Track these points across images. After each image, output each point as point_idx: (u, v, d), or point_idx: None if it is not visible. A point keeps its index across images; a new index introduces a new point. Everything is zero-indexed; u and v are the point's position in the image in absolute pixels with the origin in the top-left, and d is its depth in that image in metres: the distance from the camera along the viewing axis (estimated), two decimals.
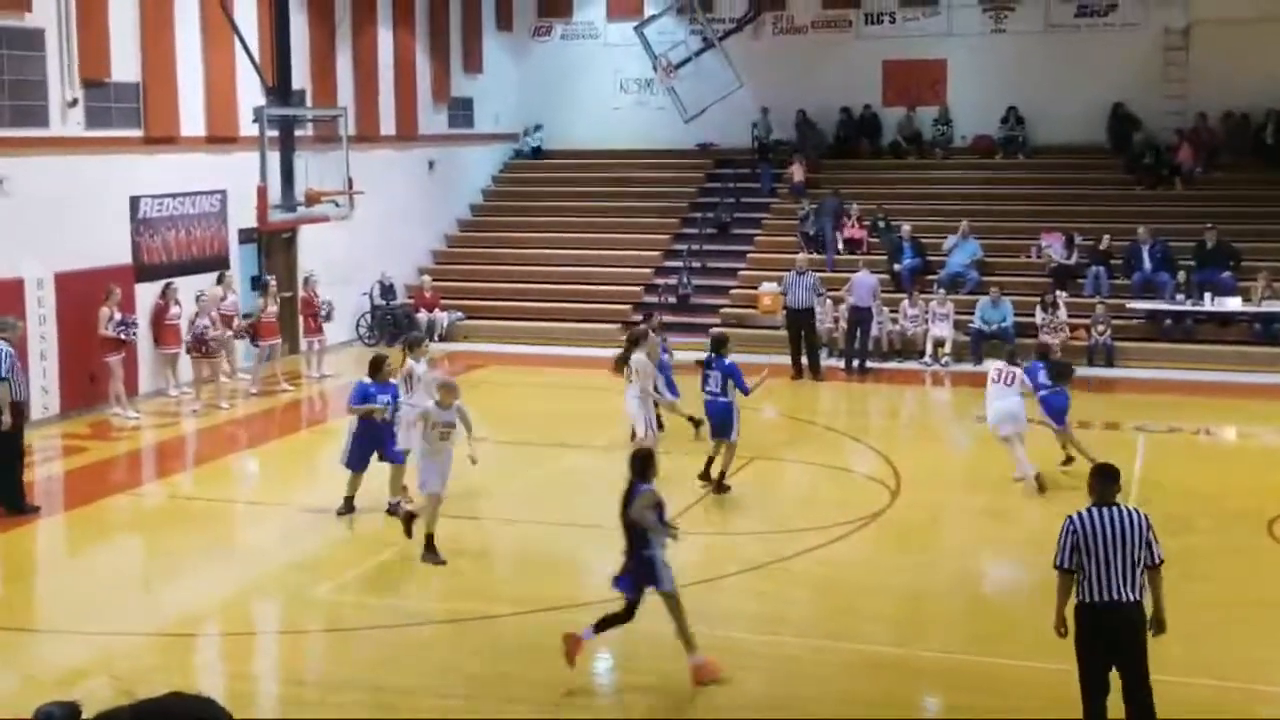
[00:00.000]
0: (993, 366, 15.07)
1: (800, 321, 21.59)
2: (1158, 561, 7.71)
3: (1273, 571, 12.06)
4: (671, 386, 16.06)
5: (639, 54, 26.98)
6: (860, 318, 22.07)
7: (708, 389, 14.28)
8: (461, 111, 28.89)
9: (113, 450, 16.75)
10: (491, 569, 12.13)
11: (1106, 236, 23.93)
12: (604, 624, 9.43)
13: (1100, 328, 22.18)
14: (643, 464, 9.67)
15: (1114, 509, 7.76)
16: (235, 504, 14.82)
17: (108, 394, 18.10)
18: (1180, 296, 22.72)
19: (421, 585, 11.83)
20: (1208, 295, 22.53)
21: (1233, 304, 22.35)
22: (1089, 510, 7.77)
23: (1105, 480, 7.92)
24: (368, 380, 13.33)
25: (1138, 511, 7.83)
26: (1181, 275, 22.94)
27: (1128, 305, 22.91)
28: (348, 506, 13.34)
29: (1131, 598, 7.62)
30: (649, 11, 28.30)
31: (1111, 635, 7.64)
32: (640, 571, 9.37)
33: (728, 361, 14.26)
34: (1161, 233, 23.70)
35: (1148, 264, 23.35)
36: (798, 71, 28.74)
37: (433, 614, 10.77)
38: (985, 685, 9.46)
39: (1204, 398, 19.74)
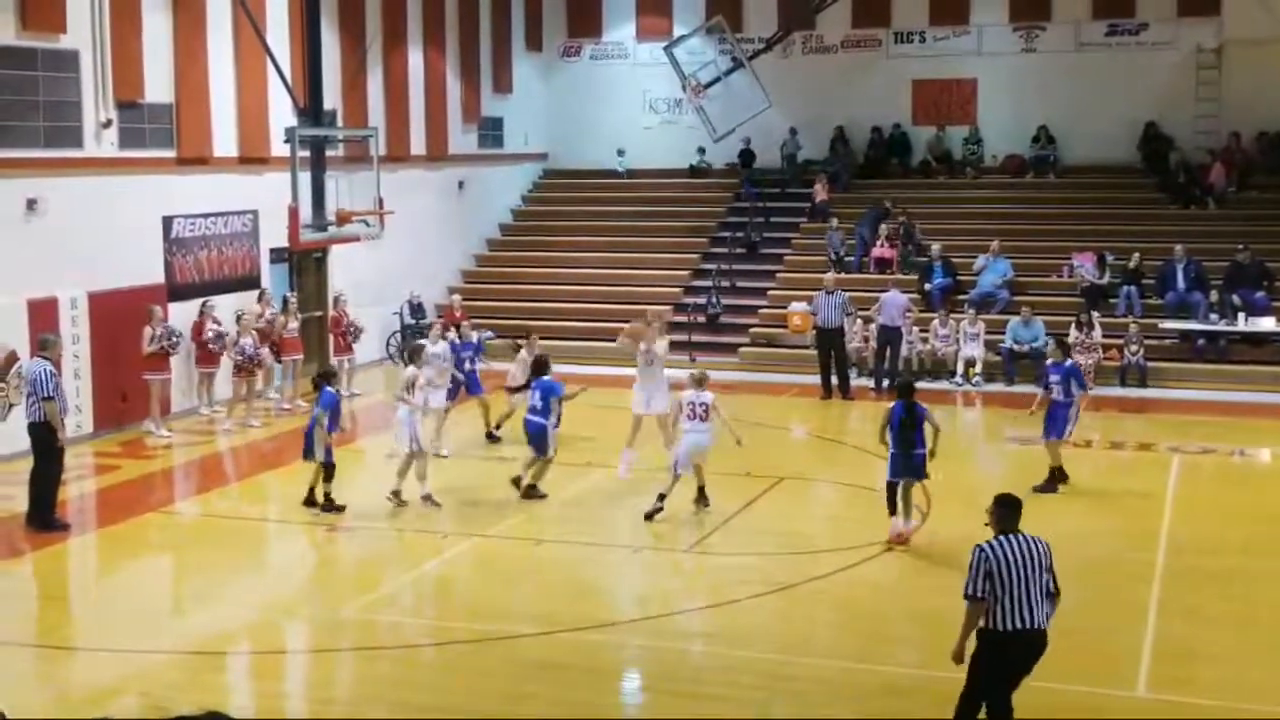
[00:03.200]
0: None
1: (830, 341, 21.53)
2: (1055, 590, 7.86)
3: None
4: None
5: (668, 74, 27.06)
6: (890, 337, 22.00)
7: (529, 406, 14.86)
8: (491, 131, 29.03)
9: (145, 469, 16.86)
10: (518, 589, 12.12)
11: (1137, 255, 23.78)
12: None
13: (1133, 347, 22.01)
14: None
15: (1020, 537, 7.85)
16: (266, 522, 14.87)
17: (146, 412, 18.23)
18: (1214, 316, 22.54)
19: (449, 604, 11.87)
20: (1241, 315, 22.34)
21: (1267, 324, 22.13)
22: (998, 539, 7.84)
23: (1009, 509, 7.97)
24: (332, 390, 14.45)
25: (1040, 540, 7.89)
26: (1214, 295, 22.75)
27: (1160, 325, 22.74)
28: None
29: (1042, 624, 7.75)
30: (678, 32, 28.37)
31: (1020, 661, 7.81)
32: None
33: (547, 380, 14.78)
34: (1194, 253, 23.54)
35: (1181, 283, 23.18)
36: (827, 91, 28.77)
37: (460, 633, 10.77)
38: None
39: (1238, 418, 19.54)
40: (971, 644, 7.92)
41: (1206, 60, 26.63)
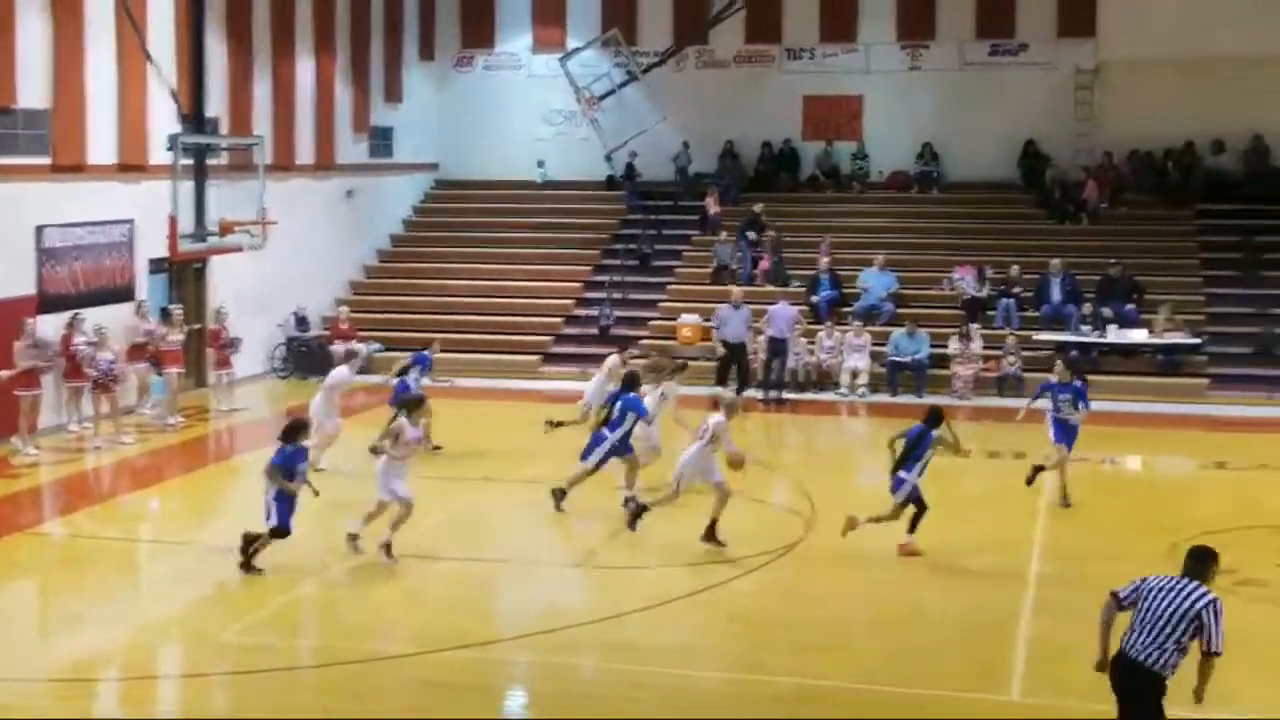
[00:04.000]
0: None
1: (735, 355, 21.73)
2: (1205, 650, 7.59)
3: None
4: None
5: (563, 86, 27.09)
6: (778, 349, 22.28)
7: None
8: (381, 141, 28.79)
9: (11, 488, 16.25)
10: (407, 607, 12.02)
11: (1016, 269, 24.41)
12: None
13: (1011, 358, 22.57)
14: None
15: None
16: (138, 543, 14.49)
17: (13, 428, 17.66)
18: (1086, 328, 23.20)
19: (330, 624, 11.72)
20: (1112, 327, 23.06)
21: (1136, 336, 22.88)
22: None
23: (1195, 560, 7.84)
24: (290, 447, 12.59)
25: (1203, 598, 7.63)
26: (1087, 307, 23.43)
27: (1036, 336, 23.35)
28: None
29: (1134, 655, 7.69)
30: (573, 44, 28.45)
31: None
32: None
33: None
34: (1069, 266, 24.24)
35: (1057, 296, 23.86)
36: (720, 105, 29.03)
37: (344, 654, 10.64)
38: (904, 715, 9.55)
39: (1109, 428, 20.02)
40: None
41: (1083, 80, 27.41)
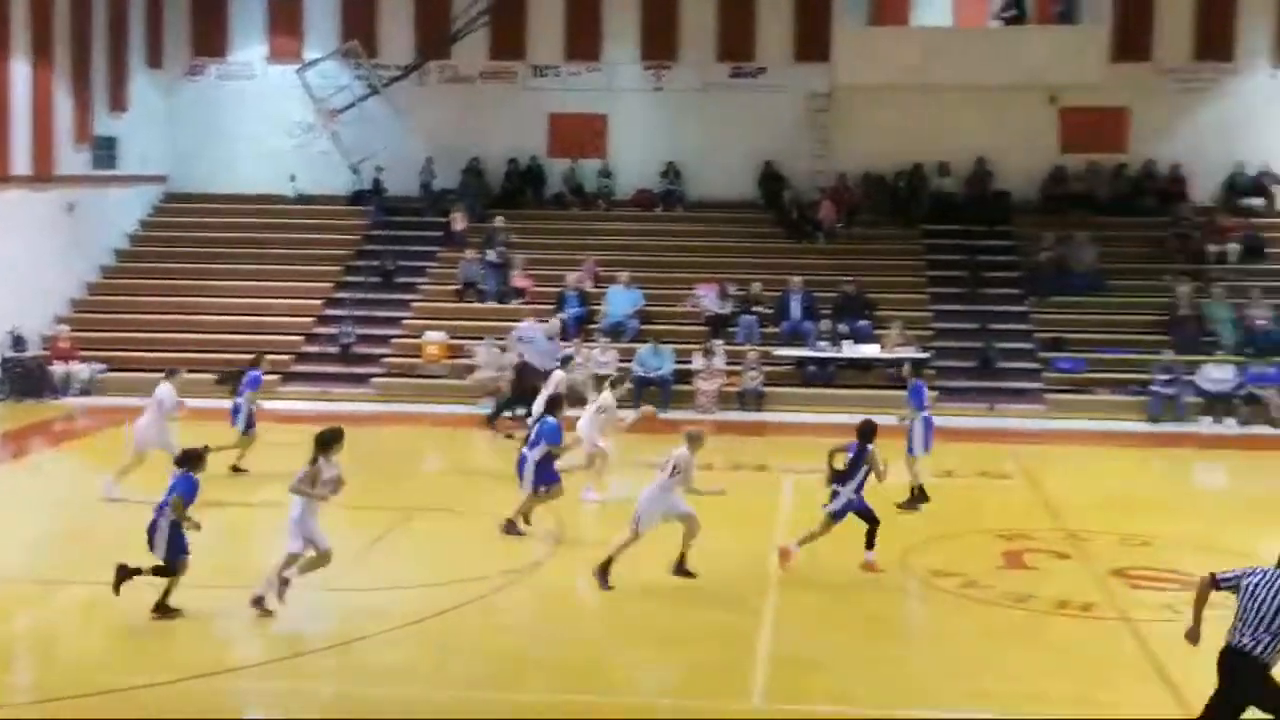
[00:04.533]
0: None
1: (536, 381, 21.19)
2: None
3: (917, 602, 12.82)
4: None
5: (302, 97, 26.30)
6: (538, 373, 22.05)
7: None
8: (105, 151, 27.30)
9: None
10: (137, 638, 11.28)
11: (757, 286, 25.06)
12: None
13: (752, 373, 23.11)
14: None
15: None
16: None
17: None
18: (823, 343, 23.98)
19: (53, 660, 10.94)
20: (847, 343, 23.91)
21: (869, 350, 23.78)
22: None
23: None
24: (196, 476, 11.63)
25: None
26: (825, 323, 24.21)
27: (776, 352, 24.00)
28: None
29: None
30: (310, 55, 27.69)
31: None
32: None
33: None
34: (807, 284, 25.03)
35: (796, 313, 24.59)
36: (465, 120, 28.77)
37: (69, 688, 9.93)
38: None
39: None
40: None
41: (818, 104, 28.35)
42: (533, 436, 14.62)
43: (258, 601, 11.54)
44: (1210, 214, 26.47)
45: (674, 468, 12.81)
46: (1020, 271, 26.14)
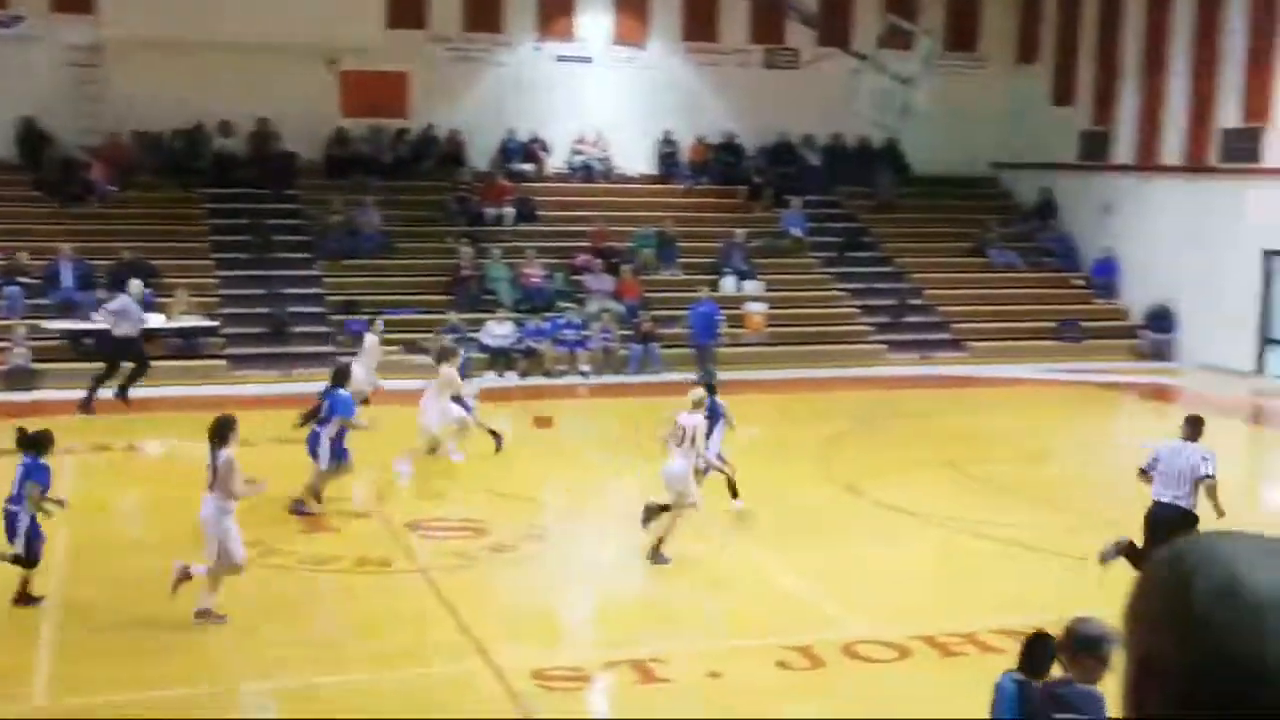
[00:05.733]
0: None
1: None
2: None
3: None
4: None
5: None
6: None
7: None
8: None
9: None
10: None
11: (24, 254, 22.67)
12: None
13: (20, 350, 20.86)
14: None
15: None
16: None
17: None
18: (99, 315, 22.07)
19: None
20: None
21: (154, 320, 22.19)
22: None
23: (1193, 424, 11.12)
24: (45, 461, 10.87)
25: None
26: (103, 293, 22.39)
27: (46, 325, 21.86)
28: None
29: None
30: None
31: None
32: None
33: None
34: (82, 251, 23.06)
35: (68, 283, 22.54)
36: None
37: None
38: None
39: (143, 415, 19.41)
40: None
41: (84, 58, 26.09)
42: (324, 411, 14.02)
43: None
44: (487, 178, 27.80)
45: (693, 438, 12.46)
46: (309, 235, 25.86)
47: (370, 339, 19.35)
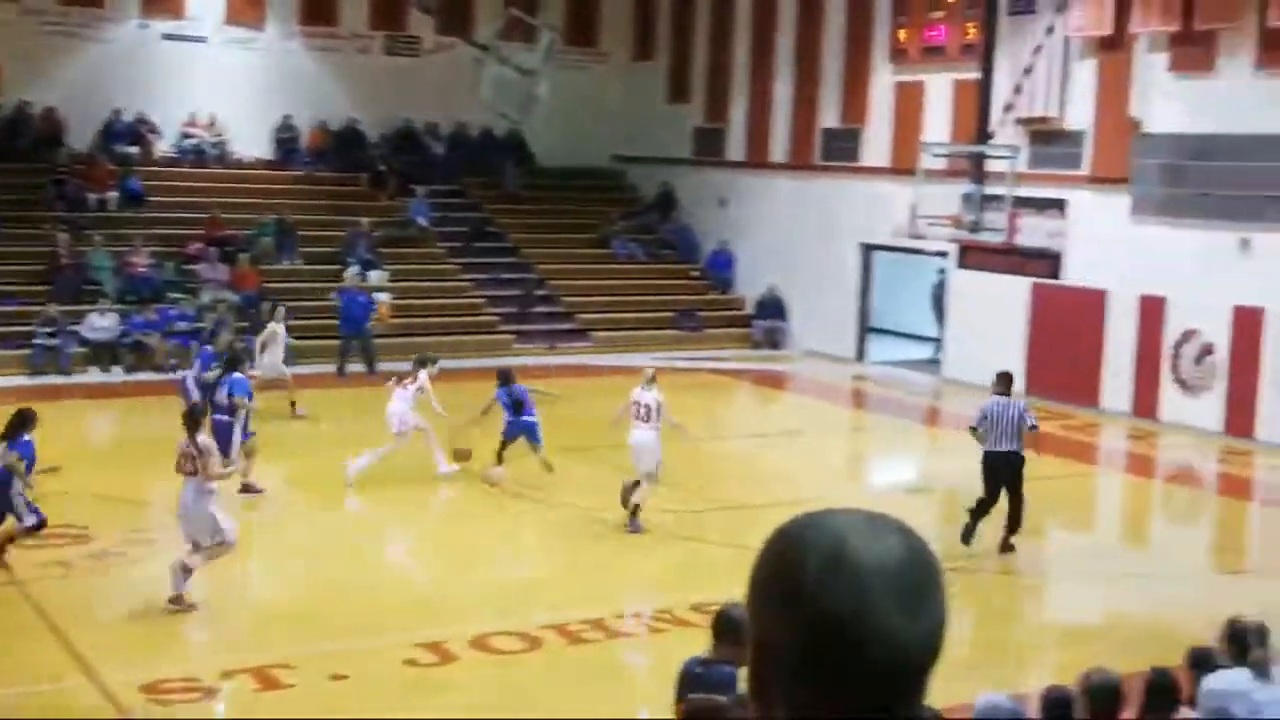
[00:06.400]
0: None
1: None
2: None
3: None
4: None
5: None
6: None
7: None
8: None
9: None
10: None
11: None
12: None
13: None
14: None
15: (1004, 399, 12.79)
16: None
17: None
18: None
19: None
20: None
21: None
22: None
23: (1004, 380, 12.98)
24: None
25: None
26: None
27: None
28: None
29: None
30: None
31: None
32: None
33: None
34: None
35: None
36: None
37: None
38: None
39: None
40: None
41: None
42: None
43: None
44: (89, 161, 25.94)
45: (661, 414, 13.62)
46: None
47: (274, 327, 19.09)
